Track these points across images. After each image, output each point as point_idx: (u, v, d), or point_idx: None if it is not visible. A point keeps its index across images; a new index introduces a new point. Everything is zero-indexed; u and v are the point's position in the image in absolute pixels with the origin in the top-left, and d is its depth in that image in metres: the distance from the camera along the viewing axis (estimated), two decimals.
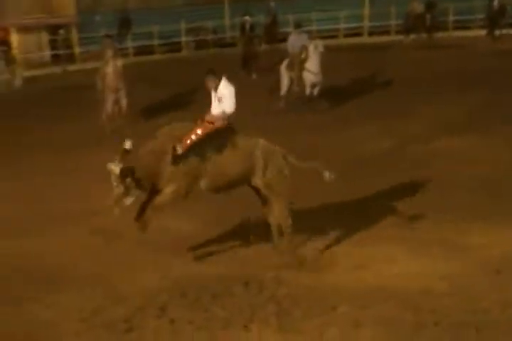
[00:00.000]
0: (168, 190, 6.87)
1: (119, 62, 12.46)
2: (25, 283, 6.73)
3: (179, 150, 6.79)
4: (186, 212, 7.83)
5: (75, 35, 21.34)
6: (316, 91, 13.06)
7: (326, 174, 7.12)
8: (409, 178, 9.17)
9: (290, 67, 13.13)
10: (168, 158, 6.81)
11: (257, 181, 7.05)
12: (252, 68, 16.36)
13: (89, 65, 19.38)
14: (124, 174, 6.65)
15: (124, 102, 12.46)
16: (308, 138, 11.24)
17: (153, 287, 6.65)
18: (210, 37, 22.18)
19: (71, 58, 20.76)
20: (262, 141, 7.14)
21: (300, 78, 12.99)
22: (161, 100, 14.41)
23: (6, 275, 6.88)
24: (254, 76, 16.33)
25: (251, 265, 7.01)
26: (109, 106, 12.42)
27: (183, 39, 21.85)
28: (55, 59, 20.68)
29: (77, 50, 21.21)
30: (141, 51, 20.71)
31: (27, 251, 7.40)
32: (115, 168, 6.65)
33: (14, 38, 19.00)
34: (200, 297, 6.39)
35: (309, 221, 7.74)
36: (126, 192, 6.74)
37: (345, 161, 9.92)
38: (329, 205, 8.32)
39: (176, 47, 21.57)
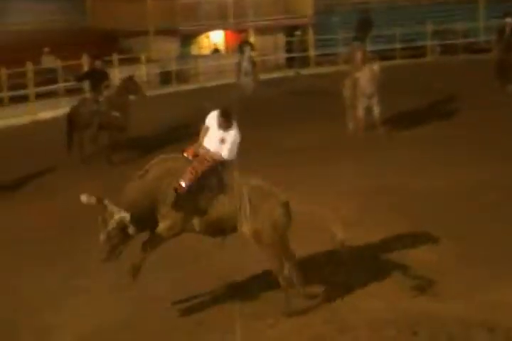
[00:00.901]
0: (162, 227, 6.73)
1: (376, 67, 12.64)
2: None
3: (181, 190, 6.65)
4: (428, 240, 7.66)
5: (310, 37, 22.13)
6: None
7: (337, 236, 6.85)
8: None
9: None
10: (165, 197, 6.65)
11: (243, 229, 6.77)
12: (508, 78, 15.52)
13: (324, 70, 20.08)
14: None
15: (377, 110, 12.60)
16: None
17: (379, 318, 6.58)
18: (459, 41, 21.62)
19: (305, 61, 21.58)
20: (256, 184, 6.83)
21: None
22: (410, 108, 14.35)
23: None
24: (510, 88, 15.49)
25: (495, 309, 6.61)
26: (360, 112, 12.63)
27: (429, 43, 21.58)
28: (290, 61, 21.64)
29: (312, 52, 21.97)
30: (380, 55, 20.78)
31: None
32: (125, 214, 6.40)
33: (252, 40, 20.13)
34: (435, 338, 6.18)
35: None
36: (120, 244, 6.52)
37: None
38: None
39: (419, 52, 21.34)
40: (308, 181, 10.38)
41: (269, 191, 6.87)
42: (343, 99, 13.13)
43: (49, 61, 18.48)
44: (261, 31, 21.36)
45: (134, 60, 19.25)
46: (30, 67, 16.87)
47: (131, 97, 12.69)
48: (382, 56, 20.57)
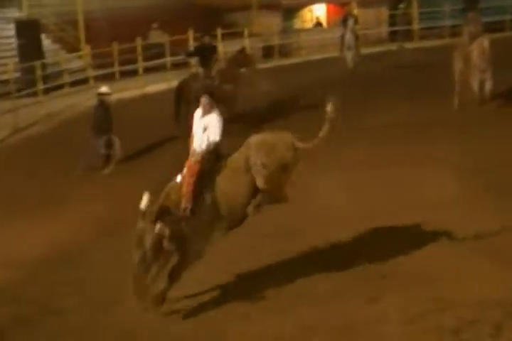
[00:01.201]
0: (187, 250, 6.43)
1: (486, 41, 12.12)
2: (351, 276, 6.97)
3: (186, 208, 6.40)
4: None
5: (414, 10, 21.46)
6: None
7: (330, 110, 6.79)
8: None
9: None
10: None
11: (259, 185, 6.65)
12: None
13: (428, 43, 19.45)
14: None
15: (488, 85, 12.13)
16: None
17: (486, 299, 6.34)
18: None
19: (409, 35, 20.97)
20: (256, 139, 6.76)
21: None
22: None
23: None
24: None
25: None
26: (474, 87, 12.19)
27: None
28: (392, 35, 21.09)
29: (416, 26, 21.32)
30: (489, 28, 19.87)
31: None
32: (164, 228, 6.21)
33: (355, 13, 19.70)
34: None
35: None
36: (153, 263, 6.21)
37: None
38: None
39: None
40: (409, 158, 10.15)
41: (273, 140, 6.81)
42: (448, 73, 12.67)
43: (157, 36, 18.84)
44: (364, 4, 20.85)
45: (237, 35, 19.31)
46: (139, 42, 17.25)
47: (243, 70, 12.67)
48: (492, 28, 19.80)
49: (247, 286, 6.90)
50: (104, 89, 11.40)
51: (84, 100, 15.44)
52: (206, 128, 6.77)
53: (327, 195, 9.12)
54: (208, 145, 6.72)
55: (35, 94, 15.10)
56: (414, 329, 6.04)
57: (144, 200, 6.28)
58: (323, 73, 16.15)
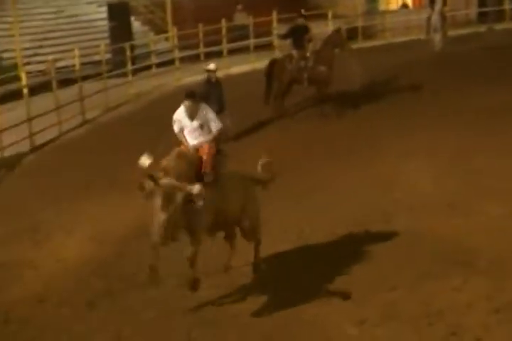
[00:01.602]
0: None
1: None
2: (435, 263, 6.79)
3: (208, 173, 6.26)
4: None
5: None
6: None
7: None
8: None
9: None
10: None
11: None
12: None
13: None
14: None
15: None
16: None
17: None
18: None
19: (500, 16, 20.15)
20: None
21: None
22: None
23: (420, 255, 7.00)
24: None
25: None
26: None
27: None
28: (482, 16, 20.32)
29: (507, 6, 20.46)
30: None
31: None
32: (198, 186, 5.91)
33: None
34: None
35: None
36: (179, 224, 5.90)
37: None
38: None
39: None
40: (501, 146, 9.77)
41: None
42: None
43: (241, 18, 18.83)
44: None
45: (321, 16, 19.02)
46: (224, 24, 17.26)
47: (337, 51, 12.43)
48: None
49: (324, 271, 6.84)
50: (211, 65, 11.51)
51: (171, 81, 15.66)
52: (203, 124, 6.54)
53: (413, 180, 8.94)
54: (218, 131, 6.58)
55: (124, 74, 15.37)
56: (500, 318, 5.84)
57: (145, 160, 6.16)
58: (409, 55, 15.70)
